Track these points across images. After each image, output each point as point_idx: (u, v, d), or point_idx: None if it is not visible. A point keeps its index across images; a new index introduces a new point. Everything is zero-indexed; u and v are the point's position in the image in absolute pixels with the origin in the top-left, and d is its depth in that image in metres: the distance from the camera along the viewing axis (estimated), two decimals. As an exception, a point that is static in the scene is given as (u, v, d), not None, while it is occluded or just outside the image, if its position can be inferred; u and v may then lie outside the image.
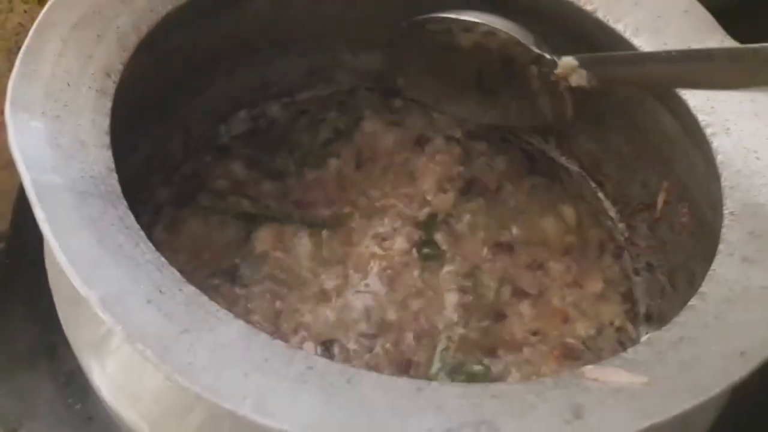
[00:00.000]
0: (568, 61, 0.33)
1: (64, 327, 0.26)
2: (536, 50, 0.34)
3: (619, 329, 0.34)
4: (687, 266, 0.33)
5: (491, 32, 0.35)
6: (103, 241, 0.20)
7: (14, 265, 0.39)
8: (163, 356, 0.18)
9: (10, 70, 0.42)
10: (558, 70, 0.33)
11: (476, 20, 0.35)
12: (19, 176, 0.41)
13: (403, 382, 0.20)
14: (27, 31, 0.41)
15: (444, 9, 0.36)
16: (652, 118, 0.35)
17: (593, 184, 0.40)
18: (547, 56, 0.34)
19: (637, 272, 0.37)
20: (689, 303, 0.23)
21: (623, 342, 0.34)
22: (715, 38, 0.32)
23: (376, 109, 0.41)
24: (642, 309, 0.36)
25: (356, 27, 0.39)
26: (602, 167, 0.40)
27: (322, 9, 0.38)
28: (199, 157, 0.38)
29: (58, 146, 0.23)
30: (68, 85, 0.24)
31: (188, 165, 0.37)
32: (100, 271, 0.20)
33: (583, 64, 0.33)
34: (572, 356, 0.33)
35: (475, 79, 0.38)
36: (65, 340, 0.34)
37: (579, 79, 0.32)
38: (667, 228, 0.36)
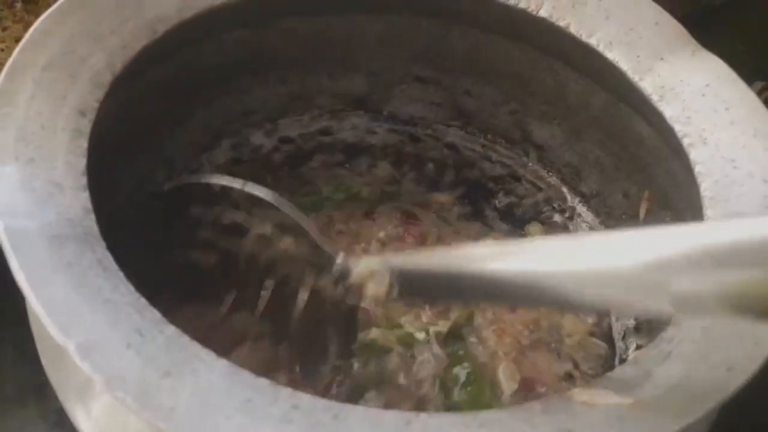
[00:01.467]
0: (367, 268, 0.26)
1: (47, 372, 0.26)
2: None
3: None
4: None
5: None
6: (81, 286, 0.20)
7: (0, 306, 0.38)
8: (143, 402, 0.18)
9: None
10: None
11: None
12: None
13: (391, 416, 0.20)
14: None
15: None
16: (629, 127, 0.35)
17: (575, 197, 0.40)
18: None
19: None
20: (674, 318, 0.23)
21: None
22: (687, 49, 0.33)
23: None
24: (630, 321, 0.36)
25: (332, 51, 0.39)
26: (583, 179, 0.40)
27: (298, 35, 0.38)
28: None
29: (32, 190, 0.22)
30: (42, 127, 0.24)
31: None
32: (78, 318, 0.19)
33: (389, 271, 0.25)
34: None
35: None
36: (54, 381, 0.34)
37: (377, 288, 0.25)
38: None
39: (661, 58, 0.32)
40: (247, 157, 0.40)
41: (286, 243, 0.28)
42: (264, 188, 0.28)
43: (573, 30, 0.34)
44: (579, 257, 0.20)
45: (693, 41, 0.33)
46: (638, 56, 0.33)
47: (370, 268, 0.26)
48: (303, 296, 0.28)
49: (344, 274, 0.27)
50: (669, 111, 0.31)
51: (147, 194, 0.31)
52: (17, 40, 0.40)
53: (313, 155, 0.41)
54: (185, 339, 0.20)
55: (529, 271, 0.21)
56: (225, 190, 0.29)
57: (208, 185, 0.29)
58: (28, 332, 0.36)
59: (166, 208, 0.30)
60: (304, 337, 0.29)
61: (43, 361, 0.26)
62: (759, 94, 0.53)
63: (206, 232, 0.29)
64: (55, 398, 0.34)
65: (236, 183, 0.28)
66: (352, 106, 0.42)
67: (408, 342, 0.33)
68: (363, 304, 0.28)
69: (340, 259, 0.27)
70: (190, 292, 0.29)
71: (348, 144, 0.42)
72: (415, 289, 0.26)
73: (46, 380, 0.35)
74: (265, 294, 0.29)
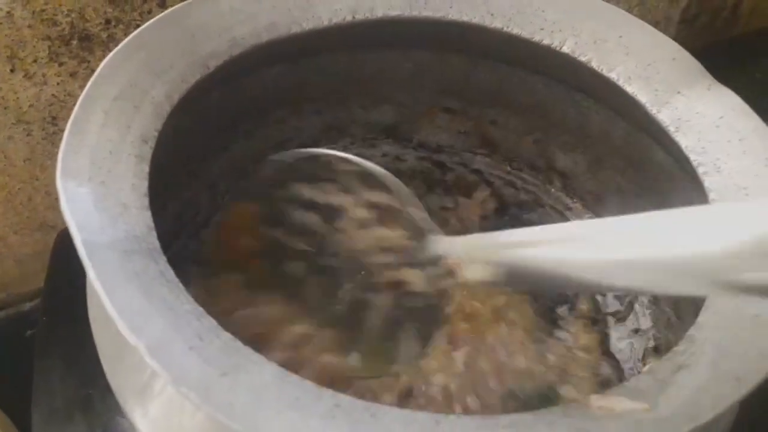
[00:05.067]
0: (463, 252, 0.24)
1: (108, 375, 0.28)
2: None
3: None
4: (690, 297, 0.35)
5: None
6: (147, 294, 0.23)
7: (51, 321, 0.41)
8: (205, 398, 0.20)
9: (44, 139, 0.45)
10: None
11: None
12: (50, 237, 0.44)
13: (422, 416, 0.22)
14: (60, 102, 0.45)
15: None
16: (648, 156, 0.37)
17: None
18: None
19: (643, 304, 0.38)
20: (687, 333, 0.25)
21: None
22: (703, 83, 0.35)
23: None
24: (651, 342, 0.37)
25: (365, 85, 0.42)
26: (605, 205, 0.42)
27: (333, 70, 0.41)
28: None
29: (103, 209, 0.25)
30: (110, 153, 0.27)
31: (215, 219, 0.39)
32: (146, 321, 0.22)
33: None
34: None
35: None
36: (100, 393, 0.36)
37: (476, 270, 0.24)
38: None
39: (678, 92, 0.34)
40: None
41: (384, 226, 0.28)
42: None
43: (594, 65, 0.36)
44: (659, 242, 0.20)
45: (709, 76, 0.35)
46: (656, 90, 0.35)
47: (472, 253, 0.24)
48: (393, 283, 0.27)
49: (440, 257, 0.25)
50: (685, 141, 0.33)
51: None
52: (72, 75, 0.44)
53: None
54: (239, 344, 0.22)
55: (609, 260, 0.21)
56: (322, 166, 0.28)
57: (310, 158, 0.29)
58: (76, 347, 0.38)
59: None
60: (383, 329, 0.28)
61: (104, 363, 0.28)
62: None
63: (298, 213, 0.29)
64: (102, 411, 0.36)
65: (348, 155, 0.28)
66: (383, 134, 0.45)
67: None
68: (455, 285, 0.26)
69: (439, 241, 0.26)
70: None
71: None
72: (515, 279, 0.24)
73: (93, 394, 0.37)
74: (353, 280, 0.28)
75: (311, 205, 0.30)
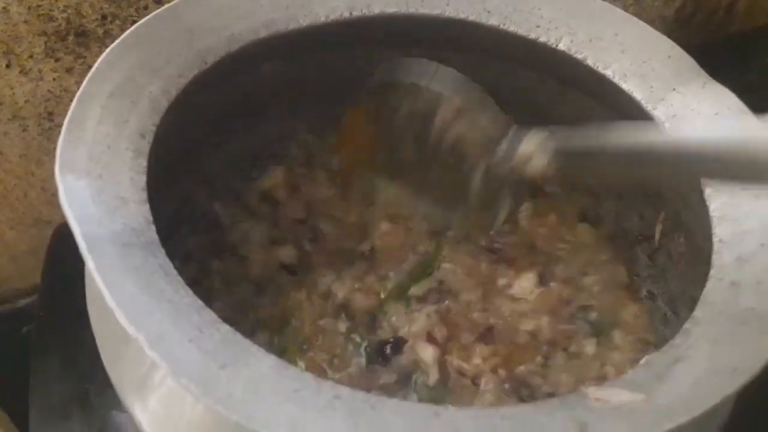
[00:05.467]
0: (530, 147, 0.29)
1: (107, 368, 0.28)
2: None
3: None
4: (686, 293, 0.35)
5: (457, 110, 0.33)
6: (147, 287, 0.23)
7: (47, 318, 0.41)
8: (204, 389, 0.20)
9: (40, 134, 0.45)
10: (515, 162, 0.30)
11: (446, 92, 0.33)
12: (46, 233, 0.44)
13: (421, 407, 0.22)
14: (56, 98, 0.45)
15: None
16: (645, 154, 0.37)
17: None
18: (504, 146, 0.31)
19: (640, 301, 0.38)
20: (683, 326, 0.25)
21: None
22: (698, 80, 0.35)
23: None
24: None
25: (362, 81, 0.42)
26: (601, 203, 0.42)
27: (330, 66, 0.41)
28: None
29: (101, 203, 0.25)
30: (108, 147, 0.27)
31: (212, 214, 0.39)
32: (146, 314, 0.22)
33: (550, 148, 0.29)
34: None
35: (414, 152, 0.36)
36: (97, 388, 0.36)
37: (537, 165, 0.29)
38: (665, 257, 0.38)
39: (673, 89, 0.34)
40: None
41: (465, 125, 0.33)
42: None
43: (590, 62, 0.36)
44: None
45: (704, 73, 0.35)
46: (651, 87, 0.35)
47: (533, 145, 0.29)
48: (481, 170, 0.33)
49: (511, 150, 0.31)
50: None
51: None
52: (68, 70, 0.44)
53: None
54: (238, 336, 0.22)
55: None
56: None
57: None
58: (73, 342, 0.38)
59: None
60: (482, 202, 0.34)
61: (104, 357, 0.28)
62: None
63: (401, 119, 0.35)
64: (98, 407, 0.36)
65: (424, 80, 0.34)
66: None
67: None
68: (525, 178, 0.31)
69: (510, 134, 0.31)
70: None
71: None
72: (577, 165, 0.29)
73: (90, 391, 0.37)
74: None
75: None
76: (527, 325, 0.35)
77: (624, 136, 0.28)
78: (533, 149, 0.30)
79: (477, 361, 0.33)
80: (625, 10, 0.37)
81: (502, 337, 0.34)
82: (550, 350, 0.34)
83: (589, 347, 0.34)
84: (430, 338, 0.33)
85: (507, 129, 0.33)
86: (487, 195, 0.34)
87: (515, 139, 0.32)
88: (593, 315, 0.36)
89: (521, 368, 0.33)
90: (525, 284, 0.36)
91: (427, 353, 0.32)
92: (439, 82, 0.34)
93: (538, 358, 0.33)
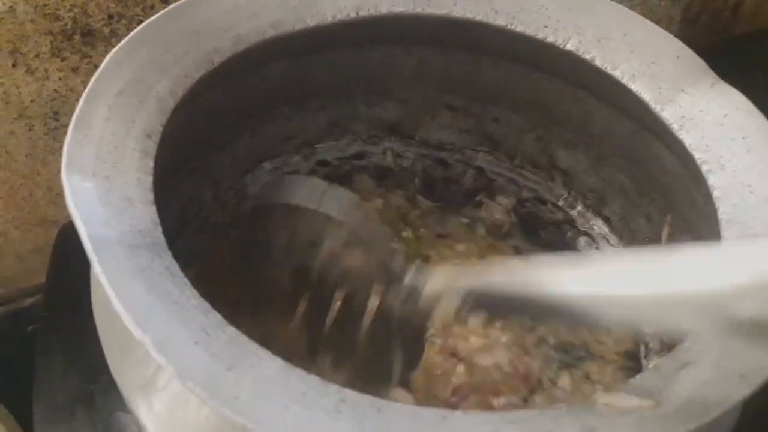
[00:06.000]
0: (437, 285, 0.25)
1: (112, 370, 0.28)
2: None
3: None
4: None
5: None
6: (153, 288, 0.23)
7: (52, 317, 0.41)
8: (210, 392, 0.20)
9: (46, 134, 0.45)
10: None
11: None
12: (51, 233, 0.44)
13: (428, 411, 0.22)
14: (62, 97, 0.45)
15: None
16: (652, 155, 0.37)
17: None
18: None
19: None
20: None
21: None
22: (707, 81, 0.35)
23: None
24: (656, 343, 0.37)
25: (369, 81, 0.42)
26: (607, 204, 0.42)
27: (337, 67, 0.41)
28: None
29: (108, 203, 0.25)
30: (115, 147, 0.27)
31: (218, 214, 0.39)
32: (152, 316, 0.22)
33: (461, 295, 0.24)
34: None
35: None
36: (102, 389, 0.36)
37: (446, 307, 0.24)
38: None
39: (682, 90, 0.34)
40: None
41: (357, 257, 0.29)
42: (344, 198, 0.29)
43: (598, 63, 0.36)
44: (652, 280, 0.19)
45: (712, 74, 0.35)
46: (660, 88, 0.35)
47: (440, 287, 0.25)
48: (371, 312, 0.28)
49: (415, 292, 0.26)
50: (689, 139, 0.33)
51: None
52: (74, 70, 0.44)
53: (348, 177, 0.44)
54: (245, 339, 0.22)
55: (598, 295, 0.21)
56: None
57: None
58: (78, 342, 0.38)
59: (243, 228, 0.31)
60: (369, 354, 0.29)
61: (109, 359, 0.28)
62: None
63: (280, 249, 0.30)
64: (103, 407, 0.36)
65: (311, 203, 0.29)
66: (386, 131, 0.45)
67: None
68: (431, 324, 0.27)
69: (410, 276, 0.27)
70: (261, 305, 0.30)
71: (381, 167, 0.45)
72: (487, 306, 0.25)
73: (94, 389, 0.37)
74: (334, 309, 0.29)
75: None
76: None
77: (535, 275, 0.23)
78: (441, 288, 0.25)
79: None
80: (632, 10, 0.37)
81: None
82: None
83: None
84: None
85: (403, 263, 0.28)
86: (376, 345, 0.28)
87: (419, 276, 0.27)
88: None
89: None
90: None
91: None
92: (329, 205, 0.30)
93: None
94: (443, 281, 0.25)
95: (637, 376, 0.23)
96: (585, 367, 0.35)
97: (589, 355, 0.35)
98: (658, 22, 0.37)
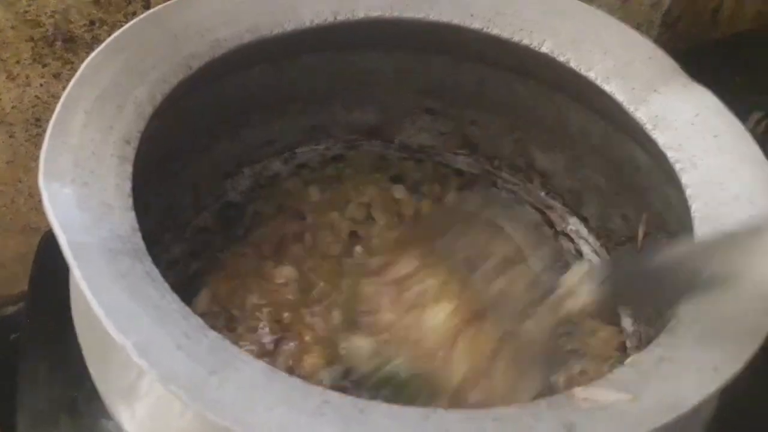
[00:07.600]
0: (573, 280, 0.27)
1: (94, 377, 0.28)
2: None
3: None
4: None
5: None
6: (133, 293, 0.23)
7: (35, 325, 0.40)
8: (193, 395, 0.20)
9: (27, 140, 0.45)
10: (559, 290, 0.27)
11: None
12: (34, 240, 0.44)
13: (411, 411, 0.22)
14: (43, 104, 0.44)
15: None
16: (626, 155, 0.38)
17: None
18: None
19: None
20: (667, 326, 0.25)
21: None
22: (679, 81, 0.35)
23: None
24: (633, 341, 0.38)
25: (348, 85, 0.42)
26: (584, 204, 0.42)
27: (316, 71, 0.41)
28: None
29: (87, 210, 0.25)
30: (93, 153, 0.27)
31: (198, 220, 0.39)
32: (133, 321, 0.22)
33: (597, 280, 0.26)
34: None
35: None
36: (85, 396, 0.36)
37: (579, 300, 0.26)
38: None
39: (655, 90, 0.35)
40: (264, 182, 0.43)
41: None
42: None
43: (573, 65, 0.36)
44: None
45: (684, 74, 0.36)
46: (633, 88, 0.35)
47: (576, 278, 0.26)
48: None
49: (552, 285, 0.28)
50: (662, 139, 0.34)
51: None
52: (55, 76, 0.44)
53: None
54: (227, 342, 0.22)
55: None
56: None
57: None
58: (61, 350, 0.37)
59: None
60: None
61: (90, 366, 0.28)
62: (757, 123, 0.55)
63: None
64: (86, 414, 0.36)
65: None
66: (366, 135, 0.45)
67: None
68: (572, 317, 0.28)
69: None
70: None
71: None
72: (619, 294, 0.27)
73: (78, 396, 0.36)
74: None
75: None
76: None
77: (662, 255, 0.27)
78: (576, 282, 0.27)
79: None
80: (612, 14, 0.38)
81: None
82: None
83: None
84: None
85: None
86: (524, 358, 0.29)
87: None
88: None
89: None
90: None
91: None
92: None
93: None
94: (578, 274, 0.27)
95: (615, 371, 0.24)
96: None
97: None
98: (637, 26, 0.38)
